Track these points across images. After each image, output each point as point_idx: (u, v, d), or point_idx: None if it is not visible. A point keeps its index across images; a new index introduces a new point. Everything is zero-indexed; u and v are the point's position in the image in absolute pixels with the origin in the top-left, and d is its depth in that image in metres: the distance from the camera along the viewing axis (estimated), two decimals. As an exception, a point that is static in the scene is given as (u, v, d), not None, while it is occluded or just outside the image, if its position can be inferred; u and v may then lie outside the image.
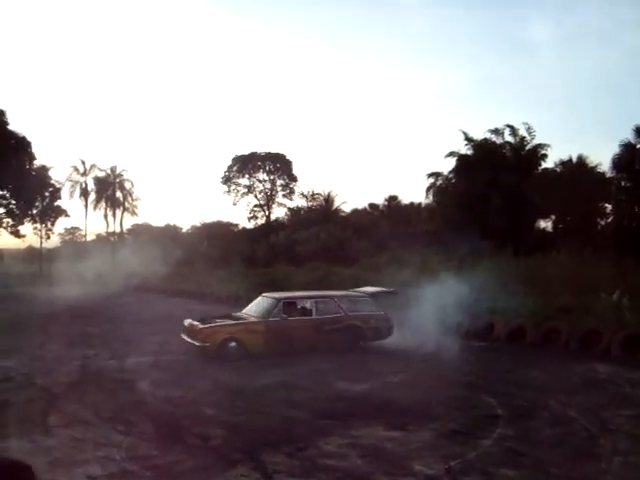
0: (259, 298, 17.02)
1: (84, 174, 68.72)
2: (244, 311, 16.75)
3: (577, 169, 41.84)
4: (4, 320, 23.16)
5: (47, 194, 56.61)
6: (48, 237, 62.21)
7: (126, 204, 70.59)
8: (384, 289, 17.99)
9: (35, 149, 52.54)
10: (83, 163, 68.73)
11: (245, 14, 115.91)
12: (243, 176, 67.34)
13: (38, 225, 58.97)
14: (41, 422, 9.55)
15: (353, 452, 8.11)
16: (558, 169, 42.49)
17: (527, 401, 10.80)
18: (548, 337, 16.71)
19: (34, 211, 56.07)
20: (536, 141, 39.24)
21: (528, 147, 39.32)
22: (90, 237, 74.40)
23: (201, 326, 15.28)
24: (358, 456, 7.96)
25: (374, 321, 16.47)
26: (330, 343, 15.58)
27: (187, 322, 16.11)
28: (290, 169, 67.15)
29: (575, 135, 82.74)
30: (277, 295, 16.86)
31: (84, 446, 8.49)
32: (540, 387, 11.91)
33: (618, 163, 39.76)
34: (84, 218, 69.74)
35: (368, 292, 17.53)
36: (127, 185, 70.33)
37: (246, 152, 66.93)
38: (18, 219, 53.57)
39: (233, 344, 14.87)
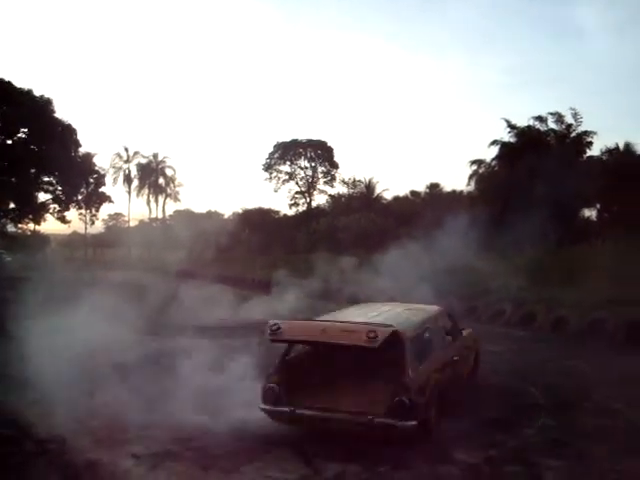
0: None
1: (127, 161, 70.02)
2: None
3: (624, 157, 40.84)
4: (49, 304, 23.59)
5: (92, 180, 57.40)
6: (92, 223, 63.34)
7: (168, 190, 71.78)
8: None
9: (80, 136, 53.37)
10: (126, 150, 69.97)
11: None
12: (284, 163, 67.42)
13: (83, 211, 60.04)
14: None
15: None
16: (604, 157, 41.56)
17: (570, 392, 10.62)
18: (593, 328, 16.35)
19: (79, 197, 56.91)
20: (582, 128, 38.63)
21: (573, 135, 38.69)
22: (133, 223, 75.53)
23: None
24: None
25: None
26: None
27: None
28: (331, 156, 67.02)
29: (623, 122, 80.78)
30: None
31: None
32: (584, 378, 11.69)
33: (666, 150, 38.90)
34: (127, 204, 70.88)
35: None
36: (169, 172, 71.47)
37: (288, 139, 67.12)
38: (64, 205, 54.34)
39: None
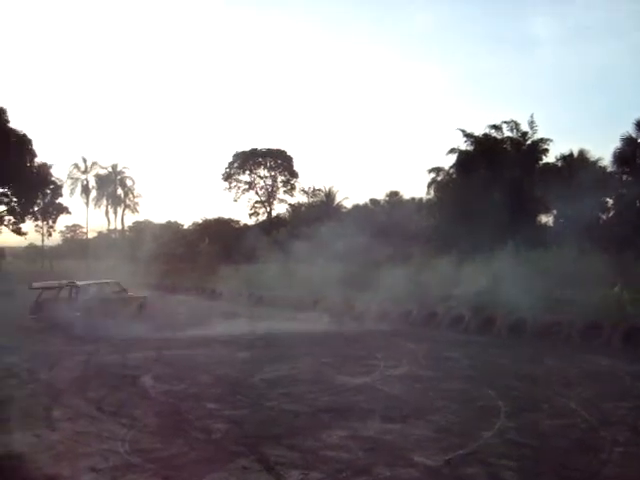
0: None
1: (85, 171, 68.96)
2: None
3: (578, 163, 41.68)
4: (3, 317, 23.15)
5: (48, 191, 56.71)
6: (49, 234, 62.70)
7: (127, 201, 71.06)
8: None
9: (36, 146, 52.55)
10: (84, 161, 68.96)
11: (246, 7, 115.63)
12: (244, 172, 67.22)
13: (39, 222, 59.28)
14: (45, 417, 9.59)
15: (354, 444, 8.14)
16: (559, 164, 42.35)
17: (528, 394, 10.82)
18: (549, 330, 16.70)
19: (35, 208, 56.16)
20: (538, 136, 39.36)
21: (529, 142, 39.38)
22: (91, 234, 74.60)
23: None
24: (359, 448, 7.99)
25: None
26: None
27: None
28: (291, 165, 67.08)
29: (577, 130, 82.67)
30: None
31: (88, 440, 8.53)
32: (541, 379, 11.94)
33: (619, 157, 39.78)
34: (85, 215, 69.99)
35: None
36: (128, 182, 70.79)
37: (247, 148, 66.87)
38: (19, 217, 53.64)
39: None
